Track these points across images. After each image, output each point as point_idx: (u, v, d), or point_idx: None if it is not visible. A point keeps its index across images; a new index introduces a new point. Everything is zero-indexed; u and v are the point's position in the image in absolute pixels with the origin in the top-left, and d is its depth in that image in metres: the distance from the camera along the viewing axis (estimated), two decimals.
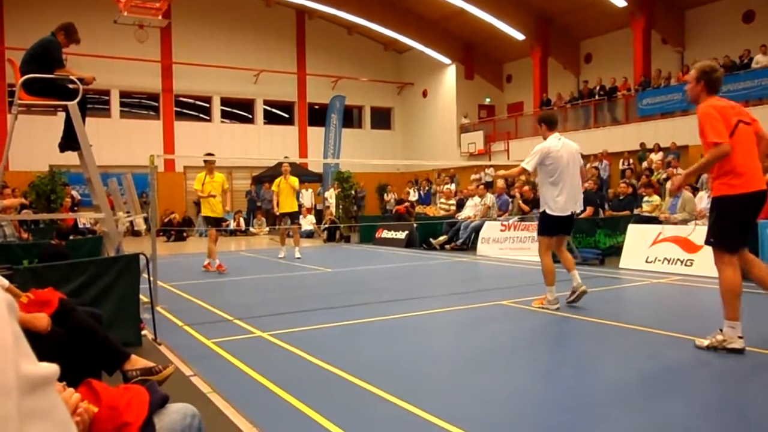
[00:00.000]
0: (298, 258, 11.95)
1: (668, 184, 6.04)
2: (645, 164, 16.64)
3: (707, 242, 4.66)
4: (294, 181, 12.15)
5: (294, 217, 11.76)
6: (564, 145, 6.47)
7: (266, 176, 23.11)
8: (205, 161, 10.58)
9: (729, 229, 4.51)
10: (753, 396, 3.68)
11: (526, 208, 13.48)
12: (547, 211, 6.33)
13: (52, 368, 0.66)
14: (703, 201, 9.95)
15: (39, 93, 6.00)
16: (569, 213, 6.34)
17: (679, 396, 3.60)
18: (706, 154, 4.44)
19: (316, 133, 26.72)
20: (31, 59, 5.98)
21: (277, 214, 12.73)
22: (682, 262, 8.95)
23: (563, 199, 6.24)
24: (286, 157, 21.08)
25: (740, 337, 4.40)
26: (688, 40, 20.93)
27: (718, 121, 4.38)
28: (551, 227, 6.41)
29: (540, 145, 6.47)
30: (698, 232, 9.17)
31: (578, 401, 3.57)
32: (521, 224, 12.18)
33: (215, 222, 10.63)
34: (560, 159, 6.30)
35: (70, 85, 6.05)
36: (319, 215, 21.70)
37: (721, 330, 4.48)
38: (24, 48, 6.50)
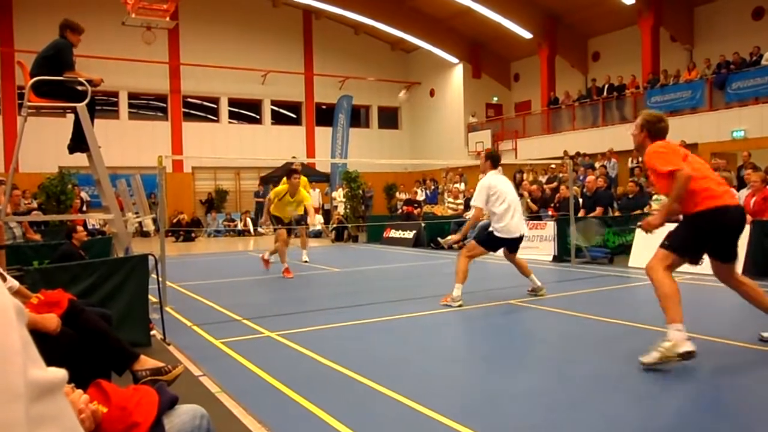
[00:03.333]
0: (306, 261, 11.65)
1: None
2: None
3: (662, 244, 4.60)
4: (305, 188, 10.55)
5: (300, 219, 11.14)
6: (502, 179, 7.35)
7: (274, 176, 23.15)
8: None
9: (694, 239, 4.52)
10: (755, 394, 3.65)
11: (534, 207, 13.44)
12: (496, 234, 6.95)
13: (60, 374, 0.66)
14: None
15: (48, 95, 6.04)
16: (518, 235, 7.03)
17: (691, 394, 3.58)
18: (672, 190, 4.31)
19: (323, 133, 26.75)
20: (42, 61, 6.02)
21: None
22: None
23: (513, 222, 6.94)
24: (294, 157, 21.11)
25: (689, 339, 4.11)
26: (697, 38, 20.79)
27: (667, 153, 4.42)
28: (493, 245, 7.11)
29: (481, 182, 7.20)
30: None
31: (588, 400, 3.55)
32: (529, 223, 12.13)
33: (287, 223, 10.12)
34: (503, 190, 7.04)
35: (79, 87, 6.09)
36: (327, 215, 21.71)
37: (665, 338, 4.12)
38: (33, 51, 6.55)
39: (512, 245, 7.19)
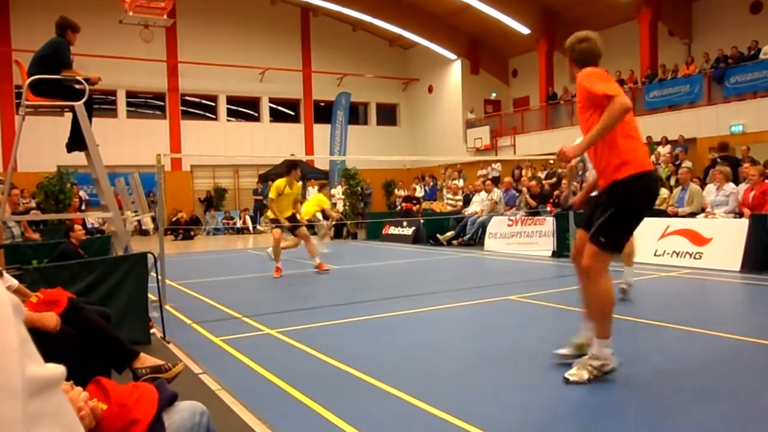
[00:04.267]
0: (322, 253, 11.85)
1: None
2: (653, 158, 16.53)
3: (595, 239, 3.71)
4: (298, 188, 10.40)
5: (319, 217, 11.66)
6: None
7: (273, 174, 23.14)
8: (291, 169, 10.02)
9: (627, 223, 3.72)
10: (760, 387, 3.66)
11: (533, 203, 13.44)
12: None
13: (58, 370, 0.66)
14: (711, 194, 9.88)
15: (45, 94, 6.03)
16: None
17: (688, 389, 3.59)
18: (604, 114, 3.49)
19: (322, 131, 26.74)
20: (40, 60, 6.01)
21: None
22: (690, 254, 8.91)
23: None
24: (292, 155, 21.10)
25: (613, 354, 3.71)
26: (696, 32, 20.78)
27: (604, 78, 3.68)
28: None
29: None
30: (703, 224, 9.14)
31: (588, 396, 3.56)
32: (528, 219, 12.15)
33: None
34: None
35: (77, 86, 6.08)
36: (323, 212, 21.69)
37: (594, 357, 3.72)
38: (30, 50, 6.55)
39: None
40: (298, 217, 10.01)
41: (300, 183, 10.15)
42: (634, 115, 3.71)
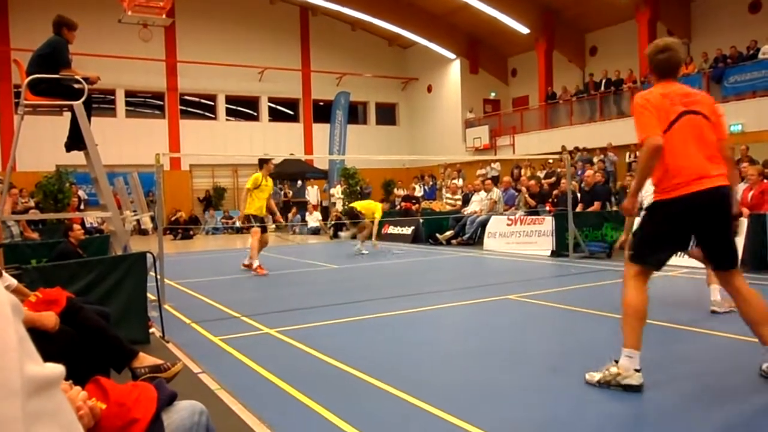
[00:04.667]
0: (363, 253, 12.40)
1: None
2: None
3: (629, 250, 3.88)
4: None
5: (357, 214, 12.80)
6: None
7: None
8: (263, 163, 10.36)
9: (652, 239, 3.77)
10: (754, 388, 3.66)
11: (532, 202, 13.45)
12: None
13: (57, 369, 0.65)
14: None
15: (44, 93, 6.03)
16: None
17: (688, 389, 3.59)
18: (641, 156, 3.69)
19: (321, 130, 26.74)
20: (38, 60, 6.01)
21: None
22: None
23: None
24: (291, 154, 21.08)
25: (637, 371, 3.57)
26: (695, 32, 20.79)
27: (644, 112, 3.68)
28: None
29: None
30: None
31: (586, 394, 3.56)
32: (528, 218, 12.15)
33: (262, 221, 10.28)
34: None
35: (75, 85, 6.08)
36: (326, 212, 21.72)
37: (616, 361, 3.66)
38: (29, 49, 6.54)
39: None
40: (262, 213, 10.15)
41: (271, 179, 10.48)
42: (672, 133, 3.66)
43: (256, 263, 9.76)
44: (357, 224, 13.29)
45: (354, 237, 14.02)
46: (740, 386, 3.66)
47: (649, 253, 3.76)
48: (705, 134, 3.69)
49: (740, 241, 8.34)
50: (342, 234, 12.76)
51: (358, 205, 13.41)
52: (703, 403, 3.38)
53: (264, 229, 10.10)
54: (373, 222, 13.00)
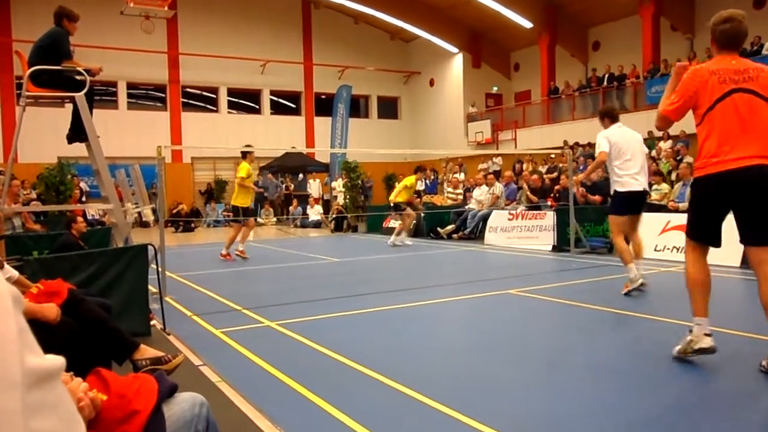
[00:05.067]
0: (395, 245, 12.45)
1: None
2: (654, 153, 16.52)
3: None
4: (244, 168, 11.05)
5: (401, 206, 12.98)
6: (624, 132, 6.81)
7: (273, 166, 23.13)
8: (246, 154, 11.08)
9: (693, 216, 3.98)
10: (756, 386, 3.66)
11: (534, 198, 13.43)
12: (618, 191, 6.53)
13: (57, 361, 0.66)
14: None
15: (46, 84, 6.03)
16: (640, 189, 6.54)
17: (687, 383, 3.60)
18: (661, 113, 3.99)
19: (323, 123, 26.69)
20: (39, 51, 6.00)
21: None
22: (681, 249, 8.89)
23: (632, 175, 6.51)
24: (293, 148, 21.07)
25: (707, 335, 3.81)
26: (698, 27, 20.69)
27: (685, 94, 3.83)
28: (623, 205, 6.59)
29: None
30: None
31: (586, 389, 3.57)
32: (529, 213, 12.15)
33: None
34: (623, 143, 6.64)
35: (77, 77, 6.07)
36: (327, 205, 21.71)
37: (690, 331, 3.93)
38: (31, 40, 6.53)
39: (638, 203, 6.62)
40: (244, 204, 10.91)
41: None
42: (700, 111, 3.82)
43: (240, 248, 10.65)
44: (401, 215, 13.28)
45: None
46: (745, 385, 3.67)
47: (694, 228, 3.98)
48: (754, 113, 3.69)
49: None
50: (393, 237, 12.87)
51: (398, 197, 13.29)
52: (711, 402, 3.39)
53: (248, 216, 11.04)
54: (415, 209, 13.00)
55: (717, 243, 3.97)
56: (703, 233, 3.96)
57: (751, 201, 3.70)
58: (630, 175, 6.46)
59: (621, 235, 6.59)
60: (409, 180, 13.42)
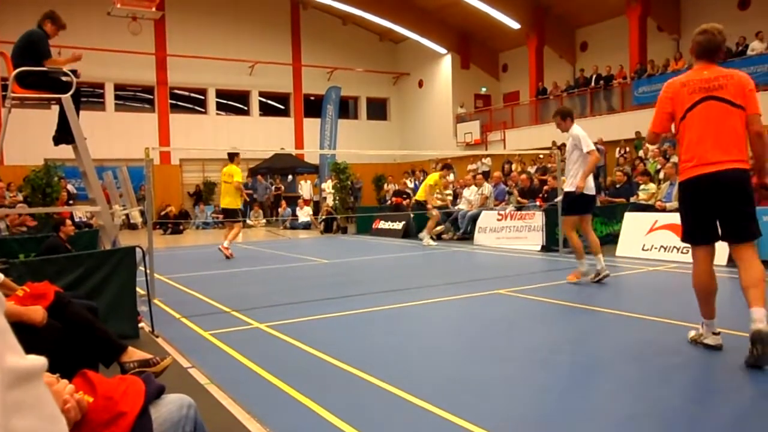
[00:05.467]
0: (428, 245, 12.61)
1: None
2: (641, 152, 16.64)
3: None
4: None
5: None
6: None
7: (263, 168, 23.07)
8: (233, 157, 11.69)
9: (684, 221, 4.22)
10: (741, 382, 3.69)
11: (524, 201, 13.48)
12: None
13: (38, 361, 0.65)
14: None
15: (32, 86, 5.98)
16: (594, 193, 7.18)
17: (676, 381, 3.62)
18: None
19: (312, 125, 26.66)
20: (19, 52, 5.96)
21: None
22: (678, 249, 8.97)
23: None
24: (282, 149, 21.02)
25: (715, 334, 4.18)
26: (684, 28, 20.87)
27: (663, 108, 4.19)
28: (581, 205, 7.11)
29: (580, 131, 7.16)
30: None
31: (575, 388, 3.59)
32: (518, 213, 12.19)
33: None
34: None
35: (64, 78, 6.02)
36: (317, 206, 21.68)
37: (701, 325, 4.32)
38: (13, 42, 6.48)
39: (591, 204, 7.25)
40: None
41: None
42: (679, 122, 4.16)
43: (225, 244, 11.13)
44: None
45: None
46: (732, 380, 3.70)
47: (685, 231, 4.24)
48: (724, 119, 3.98)
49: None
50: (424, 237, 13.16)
51: (421, 196, 13.38)
52: (699, 399, 3.42)
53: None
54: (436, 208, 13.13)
55: (716, 239, 4.15)
56: (698, 236, 4.16)
57: (726, 202, 3.97)
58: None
59: (573, 231, 7.17)
60: (432, 178, 13.53)
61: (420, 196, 13.42)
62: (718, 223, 4.06)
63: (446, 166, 14.46)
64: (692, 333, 4.40)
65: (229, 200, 11.38)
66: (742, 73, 4.18)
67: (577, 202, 7.01)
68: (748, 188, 4.00)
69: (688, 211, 4.16)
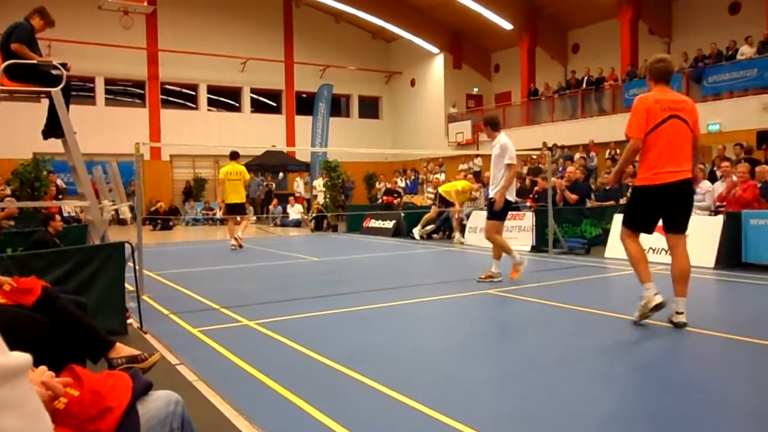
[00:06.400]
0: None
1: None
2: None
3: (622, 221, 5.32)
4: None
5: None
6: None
7: (254, 165, 23.00)
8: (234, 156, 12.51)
9: (634, 214, 5.17)
10: (733, 380, 3.73)
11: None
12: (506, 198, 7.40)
13: (23, 359, 0.64)
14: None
15: (21, 79, 5.93)
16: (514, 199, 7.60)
17: (661, 382, 3.65)
18: (624, 151, 5.16)
19: (303, 122, 26.61)
20: (5, 44, 5.90)
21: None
22: (666, 251, 9.00)
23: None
24: (273, 146, 20.97)
25: (657, 294, 4.87)
26: (675, 31, 21.02)
27: (641, 117, 4.83)
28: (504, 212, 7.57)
29: (506, 141, 7.45)
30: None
31: (564, 388, 3.60)
32: (508, 214, 12.19)
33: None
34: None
35: (54, 71, 5.98)
36: (307, 204, 21.65)
37: (640, 297, 4.96)
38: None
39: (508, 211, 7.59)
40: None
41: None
42: (649, 137, 4.88)
43: (239, 235, 12.22)
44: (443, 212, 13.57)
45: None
46: (712, 378, 3.73)
47: (632, 222, 5.20)
48: (682, 136, 4.87)
49: (716, 239, 8.49)
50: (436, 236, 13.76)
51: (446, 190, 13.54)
52: (688, 401, 3.44)
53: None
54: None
55: (650, 232, 5.32)
56: (641, 227, 5.22)
57: (676, 204, 4.97)
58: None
59: (499, 234, 7.68)
60: (462, 184, 13.77)
61: (452, 198, 13.42)
62: (661, 217, 5.05)
63: (474, 173, 15.17)
64: (637, 312, 4.99)
65: (237, 196, 12.36)
66: (691, 100, 5.17)
67: (503, 209, 7.45)
68: (691, 192, 5.02)
69: (639, 208, 5.11)
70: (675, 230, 5.04)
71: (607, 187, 12.98)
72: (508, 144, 7.34)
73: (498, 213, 7.49)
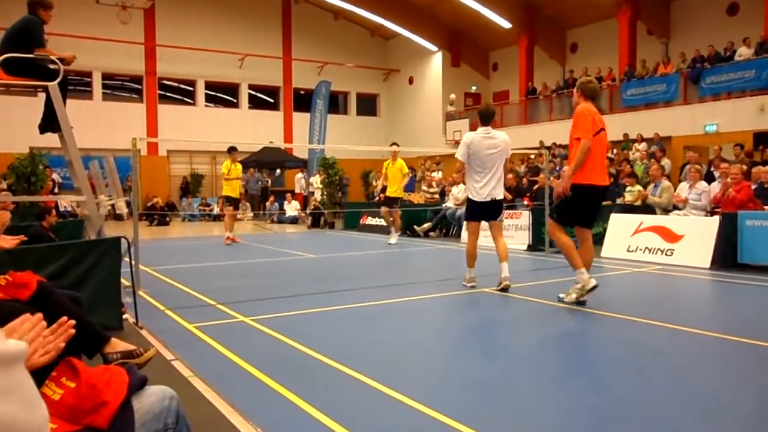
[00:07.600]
0: (391, 243, 12.53)
1: (552, 183, 8.83)
2: (631, 155, 16.73)
3: (550, 215, 6.10)
4: (401, 164, 13.43)
5: (393, 202, 13.15)
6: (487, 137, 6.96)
7: (251, 161, 22.97)
8: (231, 150, 12.87)
9: (566, 210, 5.93)
10: (731, 381, 3.74)
11: (509, 195, 13.52)
12: (470, 198, 7.07)
13: (19, 346, 0.64)
14: (684, 191, 10.06)
15: (18, 73, 5.91)
16: (489, 199, 6.90)
17: (655, 382, 3.66)
18: (578, 151, 5.68)
19: (301, 119, 26.58)
20: (11, 38, 5.88)
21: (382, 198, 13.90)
22: (662, 251, 9.06)
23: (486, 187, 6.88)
24: (271, 143, 20.93)
25: (591, 277, 5.71)
26: (673, 32, 21.04)
27: (588, 122, 5.65)
28: (474, 213, 7.11)
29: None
30: (674, 220, 9.30)
31: (559, 387, 3.62)
32: (505, 212, 12.19)
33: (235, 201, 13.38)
34: (480, 151, 6.86)
35: (51, 65, 5.96)
36: (305, 201, 21.64)
37: (576, 282, 5.74)
38: (3, 28, 6.40)
39: (488, 212, 6.99)
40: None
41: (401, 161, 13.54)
42: (601, 135, 5.90)
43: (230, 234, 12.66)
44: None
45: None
46: (708, 378, 3.74)
47: (569, 216, 6.05)
48: (605, 148, 6.12)
49: (712, 240, 8.52)
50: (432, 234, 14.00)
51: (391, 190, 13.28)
52: (682, 399, 3.45)
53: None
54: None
55: (575, 226, 6.14)
56: (578, 221, 6.05)
57: (597, 205, 6.03)
58: (482, 184, 6.86)
59: (473, 237, 7.15)
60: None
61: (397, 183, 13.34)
62: (578, 213, 5.94)
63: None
64: (574, 293, 5.75)
65: (231, 190, 12.92)
66: None
67: (471, 209, 7.10)
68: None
69: (580, 204, 5.85)
70: (589, 226, 6.11)
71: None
72: (464, 138, 7.04)
73: (467, 213, 7.28)
